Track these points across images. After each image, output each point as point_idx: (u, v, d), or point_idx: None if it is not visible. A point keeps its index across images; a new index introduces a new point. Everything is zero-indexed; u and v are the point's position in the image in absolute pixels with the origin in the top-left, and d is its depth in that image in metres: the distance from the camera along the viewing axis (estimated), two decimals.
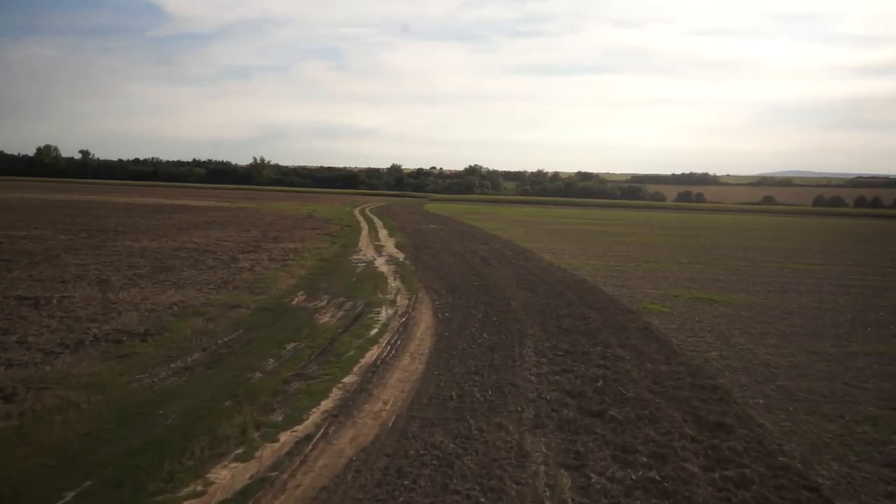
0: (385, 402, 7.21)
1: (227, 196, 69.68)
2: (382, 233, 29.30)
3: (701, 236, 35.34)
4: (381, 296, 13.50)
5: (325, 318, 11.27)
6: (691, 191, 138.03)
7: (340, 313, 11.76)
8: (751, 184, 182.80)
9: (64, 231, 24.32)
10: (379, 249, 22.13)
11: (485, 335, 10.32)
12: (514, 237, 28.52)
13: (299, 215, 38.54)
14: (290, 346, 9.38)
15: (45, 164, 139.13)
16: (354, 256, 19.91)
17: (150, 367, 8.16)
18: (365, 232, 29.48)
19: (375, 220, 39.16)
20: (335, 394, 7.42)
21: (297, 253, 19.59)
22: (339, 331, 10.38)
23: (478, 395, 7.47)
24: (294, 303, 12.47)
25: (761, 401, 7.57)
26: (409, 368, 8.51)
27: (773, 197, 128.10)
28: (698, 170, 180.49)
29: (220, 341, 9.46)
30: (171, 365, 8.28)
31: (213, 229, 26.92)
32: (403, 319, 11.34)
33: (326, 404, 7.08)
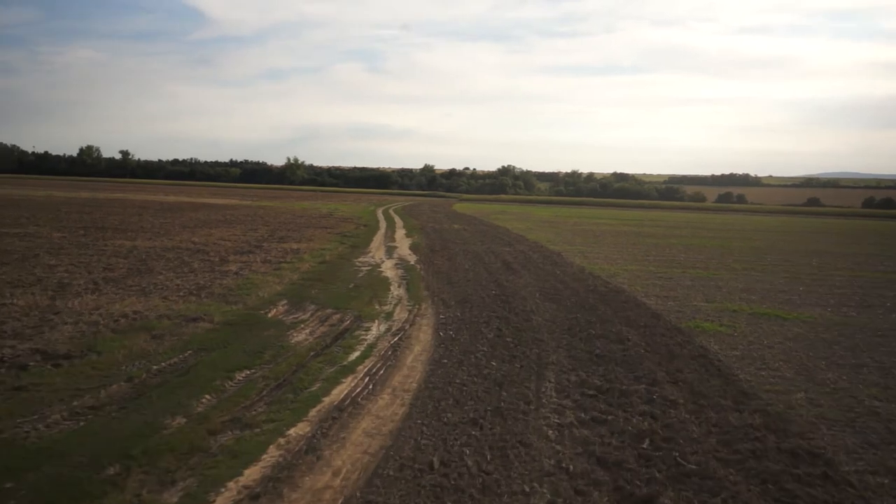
0: (335, 473, 5.05)
1: (254, 195, 68.77)
2: (400, 233, 27.22)
3: (750, 239, 32.27)
4: (376, 307, 11.38)
5: (299, 337, 9.19)
6: (732, 192, 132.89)
7: (322, 329, 9.67)
8: (794, 185, 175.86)
9: (62, 229, 22.95)
10: (390, 251, 20.05)
11: (493, 363, 8.08)
12: (543, 239, 26.11)
13: (318, 214, 36.80)
14: (240, 376, 7.32)
15: (87, 164, 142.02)
16: (361, 258, 17.86)
17: (44, 405, 6.19)
18: (381, 232, 27.45)
19: (397, 219, 37.13)
20: (271, 455, 5.30)
21: (297, 254, 17.64)
22: (312, 354, 8.28)
23: (470, 462, 5.25)
24: (270, 315, 10.43)
25: (886, 480, 5.17)
26: (384, 413, 6.34)
27: (818, 199, 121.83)
28: (738, 171, 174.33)
29: (155, 367, 7.47)
30: (75, 403, 6.30)
31: (220, 228, 25.26)
32: (395, 339, 9.18)
33: (251, 475, 4.96)
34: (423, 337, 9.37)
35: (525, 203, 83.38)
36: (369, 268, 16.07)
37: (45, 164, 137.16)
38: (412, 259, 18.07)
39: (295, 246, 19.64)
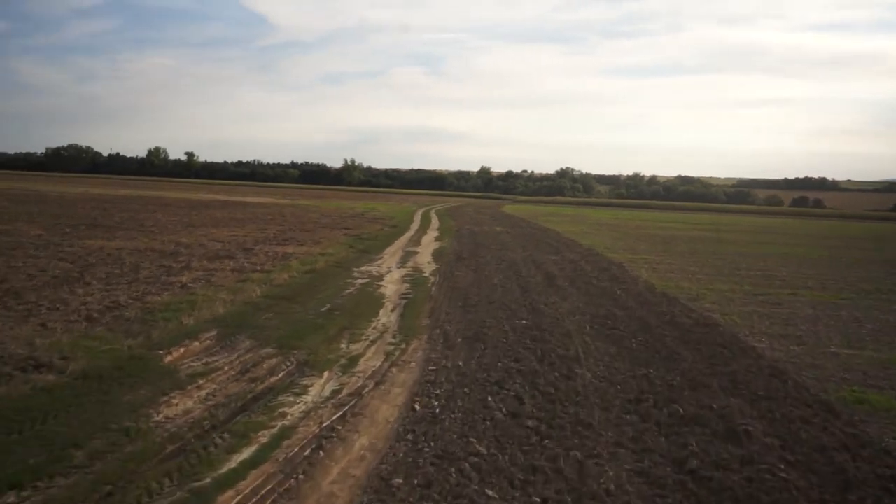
0: None
1: (299, 194, 66.67)
2: (429, 235, 23.42)
3: (858, 248, 26.74)
4: (341, 347, 7.63)
5: (181, 406, 5.54)
6: (807, 196, 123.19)
7: (230, 389, 6.00)
8: (876, 190, 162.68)
9: (51, 227, 20.38)
10: (407, 258, 16.26)
11: (491, 491, 4.15)
12: (600, 245, 21.74)
13: (349, 214, 33.52)
14: None
15: (155, 165, 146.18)
16: (364, 267, 14.17)
17: None
18: (409, 234, 23.73)
19: (434, 220, 33.39)
20: None
21: (285, 260, 14.14)
22: (168, 452, 4.60)
23: None
24: (168, 359, 6.83)
25: None
26: None
27: None
28: (812, 174, 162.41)
29: None
30: None
31: (226, 227, 22.21)
32: (335, 417, 5.39)
33: None
34: (384, 414, 5.53)
35: (582, 205, 78.11)
36: (366, 281, 12.34)
37: (116, 165, 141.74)
38: (429, 269, 14.25)
39: (291, 250, 16.17)
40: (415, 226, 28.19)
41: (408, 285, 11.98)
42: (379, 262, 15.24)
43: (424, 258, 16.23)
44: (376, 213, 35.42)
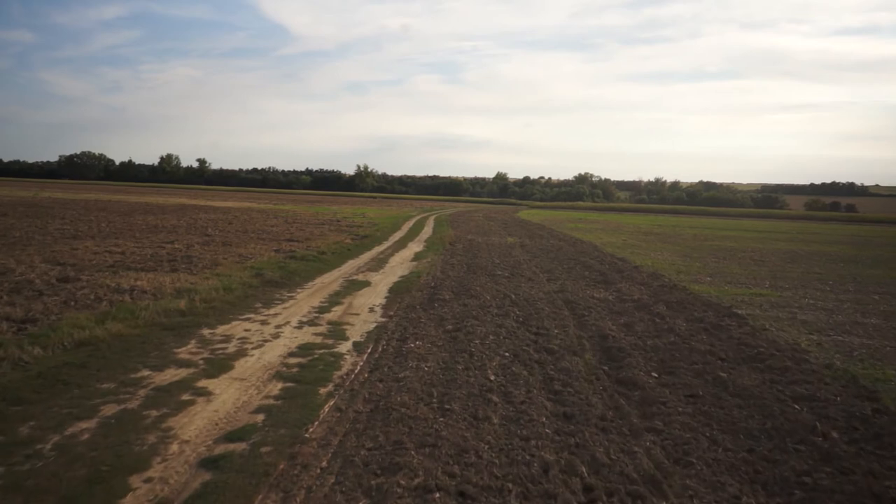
0: None
1: (291, 199, 59.98)
2: (409, 251, 16.18)
3: None
4: None
5: None
6: (840, 201, 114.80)
7: None
8: None
9: None
10: (338, 298, 9.06)
11: None
12: (666, 266, 14.34)
13: (318, 221, 26.43)
14: None
15: (167, 172, 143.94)
16: (226, 326, 7.03)
17: None
18: (377, 249, 16.48)
19: (428, 228, 26.20)
20: None
21: (86, 309, 7.08)
22: None
23: None
24: None
25: None
26: None
27: None
28: (840, 179, 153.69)
29: None
30: None
31: (121, 238, 15.29)
32: None
33: None
34: None
35: (605, 210, 70.45)
36: (174, 379, 5.18)
37: (128, 172, 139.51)
38: (361, 330, 7.08)
39: (141, 282, 9.11)
40: (396, 236, 20.97)
41: (266, 402, 4.82)
42: (279, 307, 8.07)
43: (370, 299, 9.04)
44: (356, 220, 28.30)
